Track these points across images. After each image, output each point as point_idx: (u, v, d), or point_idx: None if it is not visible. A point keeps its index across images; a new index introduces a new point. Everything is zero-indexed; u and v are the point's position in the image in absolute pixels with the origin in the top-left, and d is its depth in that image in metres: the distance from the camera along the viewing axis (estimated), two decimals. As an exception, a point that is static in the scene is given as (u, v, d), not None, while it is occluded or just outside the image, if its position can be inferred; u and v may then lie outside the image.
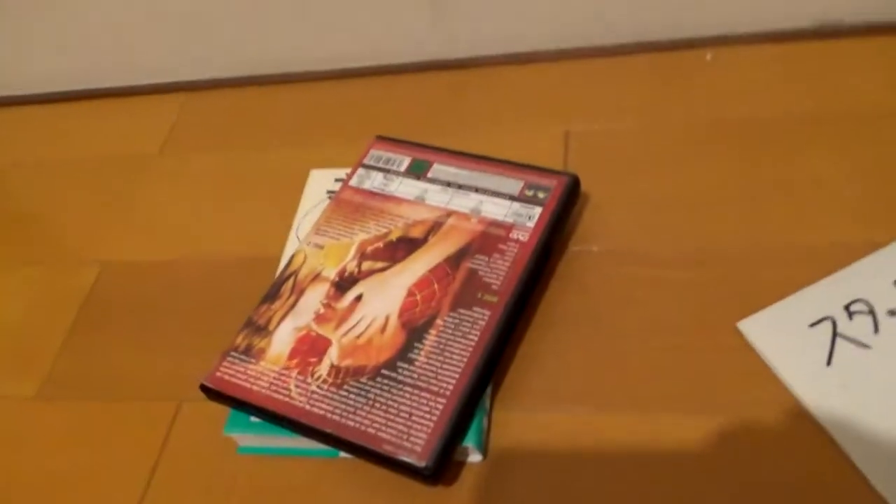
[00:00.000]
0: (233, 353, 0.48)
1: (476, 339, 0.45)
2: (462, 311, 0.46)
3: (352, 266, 0.50)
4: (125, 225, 0.63)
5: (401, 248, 0.51)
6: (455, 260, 0.49)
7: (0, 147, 0.74)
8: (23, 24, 0.71)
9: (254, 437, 0.47)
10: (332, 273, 0.50)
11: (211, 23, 0.69)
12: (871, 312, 0.44)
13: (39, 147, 0.73)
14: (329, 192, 0.57)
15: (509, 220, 0.50)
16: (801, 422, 0.42)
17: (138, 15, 0.69)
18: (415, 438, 0.42)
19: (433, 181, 0.53)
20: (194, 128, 0.70)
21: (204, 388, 0.47)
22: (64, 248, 0.63)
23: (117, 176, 0.68)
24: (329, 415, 0.44)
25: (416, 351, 0.45)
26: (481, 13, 0.64)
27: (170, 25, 0.70)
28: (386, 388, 0.44)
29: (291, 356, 0.47)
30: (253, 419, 0.46)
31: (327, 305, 0.49)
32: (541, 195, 0.51)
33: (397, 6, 0.65)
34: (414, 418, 0.43)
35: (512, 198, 0.51)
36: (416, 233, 0.51)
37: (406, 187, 0.54)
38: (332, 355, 0.46)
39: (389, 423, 0.43)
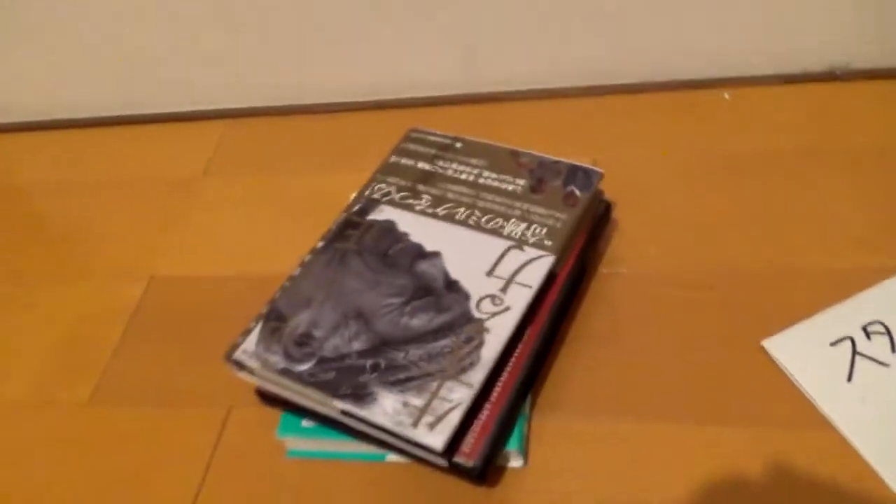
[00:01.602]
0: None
1: (519, 349, 0.48)
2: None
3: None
4: (170, 243, 0.66)
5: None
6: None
7: (55, 167, 0.77)
8: (75, 49, 0.74)
9: (304, 441, 0.49)
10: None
11: (251, 54, 0.72)
12: (888, 333, 0.47)
13: (93, 168, 0.75)
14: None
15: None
16: (825, 432, 0.45)
17: (182, 47, 0.73)
18: (464, 439, 0.45)
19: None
20: (235, 153, 0.73)
21: (259, 393, 0.50)
22: (114, 263, 0.66)
23: (163, 197, 0.70)
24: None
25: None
26: (511, 54, 0.68)
27: (210, 57, 0.73)
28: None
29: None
30: (304, 423, 0.49)
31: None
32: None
33: (432, 45, 0.69)
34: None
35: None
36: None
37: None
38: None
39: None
